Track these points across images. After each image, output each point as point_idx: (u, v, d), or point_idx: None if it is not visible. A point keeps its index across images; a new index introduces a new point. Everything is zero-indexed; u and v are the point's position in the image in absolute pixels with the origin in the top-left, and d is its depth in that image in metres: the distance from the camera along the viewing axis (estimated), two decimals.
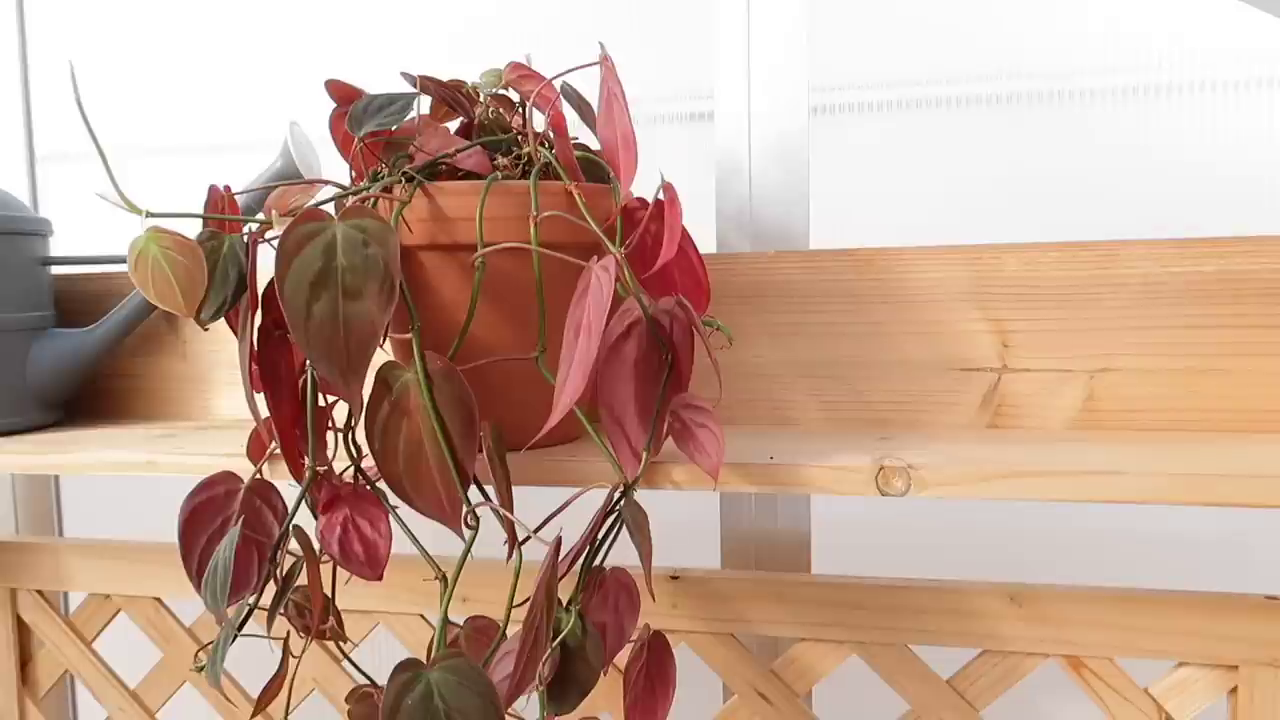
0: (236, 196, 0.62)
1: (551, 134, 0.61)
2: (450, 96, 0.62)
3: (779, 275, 0.74)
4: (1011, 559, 0.87)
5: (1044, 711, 0.88)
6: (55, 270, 0.87)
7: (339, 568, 0.57)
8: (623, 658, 0.60)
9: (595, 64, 0.62)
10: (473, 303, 0.57)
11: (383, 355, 0.56)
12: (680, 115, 0.89)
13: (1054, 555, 0.86)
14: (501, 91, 0.64)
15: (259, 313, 0.58)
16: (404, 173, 0.58)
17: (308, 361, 0.57)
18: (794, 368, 0.75)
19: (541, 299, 0.57)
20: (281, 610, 0.58)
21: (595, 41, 0.63)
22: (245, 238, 0.59)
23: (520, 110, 0.64)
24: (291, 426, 0.59)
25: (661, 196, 0.60)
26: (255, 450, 0.65)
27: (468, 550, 0.55)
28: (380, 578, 0.56)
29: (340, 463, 0.60)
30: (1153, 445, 0.63)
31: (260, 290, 0.57)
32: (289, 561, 0.59)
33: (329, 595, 0.62)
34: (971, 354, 0.72)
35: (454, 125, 0.66)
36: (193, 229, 0.59)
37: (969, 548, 0.88)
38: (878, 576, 0.74)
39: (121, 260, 0.82)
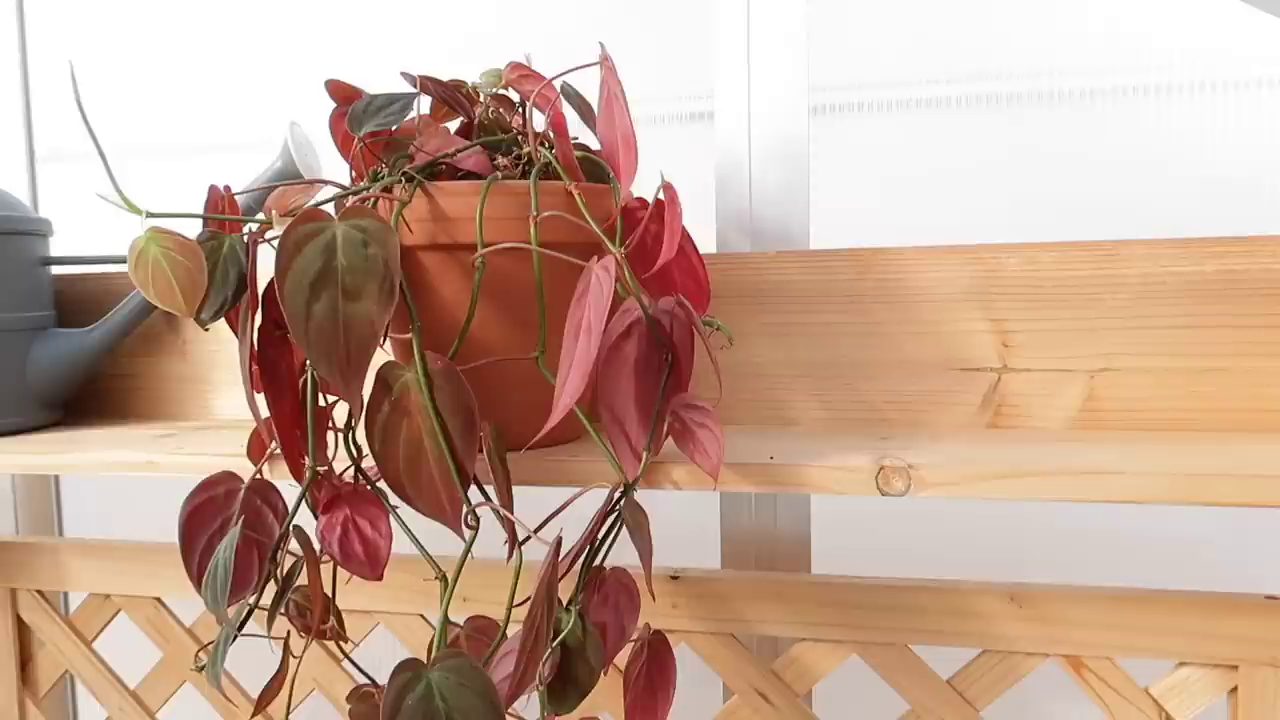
0: (236, 196, 0.62)
1: (551, 134, 0.61)
2: (450, 96, 0.62)
3: (779, 275, 0.74)
4: (1011, 559, 0.87)
5: (1044, 711, 0.88)
6: (55, 270, 0.87)
7: (339, 568, 0.57)
8: (623, 658, 0.60)
9: (595, 64, 0.62)
10: (473, 303, 0.57)
11: (383, 355, 0.56)
12: (680, 115, 0.89)
13: (1054, 555, 0.86)
14: (501, 91, 0.64)
15: (259, 313, 0.58)
16: (404, 173, 0.58)
17: (308, 361, 0.57)
18: (794, 368, 0.75)
19: (541, 299, 0.57)
20: (282, 610, 0.58)
21: (595, 41, 0.63)
22: (245, 238, 0.59)
23: (520, 110, 0.64)
24: (291, 426, 0.59)
25: (661, 196, 0.60)
26: (255, 450, 0.65)
27: (468, 550, 0.55)
28: (380, 578, 0.56)
29: (340, 463, 0.60)
30: (1153, 445, 0.63)
31: (260, 290, 0.57)
32: (289, 561, 0.59)
33: (329, 595, 0.62)
34: (972, 354, 0.72)
35: (454, 125, 0.66)
36: (193, 229, 0.59)
37: (969, 548, 0.88)
38: (878, 576, 0.74)
39: (121, 260, 0.82)
